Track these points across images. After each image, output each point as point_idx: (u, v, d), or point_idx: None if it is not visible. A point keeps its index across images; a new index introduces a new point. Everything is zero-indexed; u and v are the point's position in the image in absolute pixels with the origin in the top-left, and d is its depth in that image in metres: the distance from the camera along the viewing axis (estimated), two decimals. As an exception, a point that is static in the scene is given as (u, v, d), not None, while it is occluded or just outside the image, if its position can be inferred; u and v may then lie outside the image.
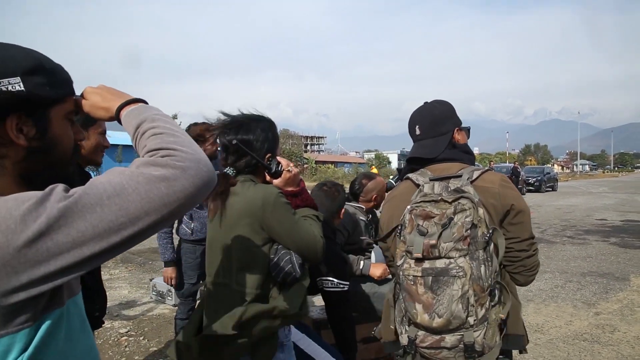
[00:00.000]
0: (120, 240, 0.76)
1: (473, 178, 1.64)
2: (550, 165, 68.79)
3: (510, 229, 1.67)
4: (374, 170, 20.94)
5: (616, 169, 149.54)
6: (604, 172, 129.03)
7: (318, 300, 2.62)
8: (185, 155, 0.82)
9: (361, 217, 3.11)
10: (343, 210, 2.76)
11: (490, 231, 1.51)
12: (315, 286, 2.34)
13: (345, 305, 2.38)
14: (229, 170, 1.76)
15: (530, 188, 29.02)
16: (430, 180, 1.67)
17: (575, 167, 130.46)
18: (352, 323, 2.41)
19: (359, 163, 60.09)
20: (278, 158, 1.82)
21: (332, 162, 60.48)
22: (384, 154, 74.06)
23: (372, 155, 76.04)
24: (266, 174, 1.83)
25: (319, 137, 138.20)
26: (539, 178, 30.12)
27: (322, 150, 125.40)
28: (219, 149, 1.89)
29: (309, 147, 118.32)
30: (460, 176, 1.65)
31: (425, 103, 1.89)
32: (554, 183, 32.32)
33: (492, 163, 26.00)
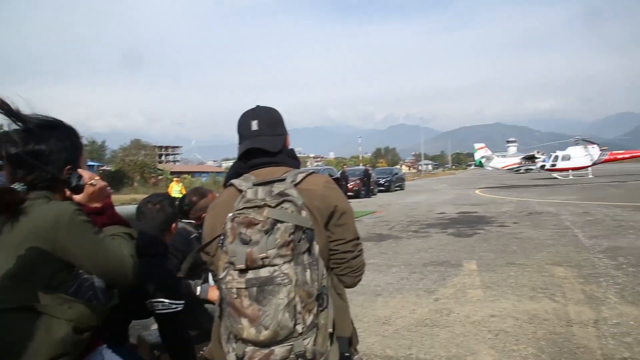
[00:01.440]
0: None
1: (297, 181, 1.62)
2: (398, 167, 74.28)
3: (335, 231, 1.67)
4: (177, 186, 20.13)
5: (453, 167, 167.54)
6: (444, 171, 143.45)
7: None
8: None
9: (193, 234, 2.97)
10: (175, 225, 2.59)
11: (311, 233, 1.49)
12: (145, 310, 2.15)
13: (181, 326, 2.20)
14: (18, 186, 1.50)
15: (381, 188, 31.10)
16: (254, 185, 1.61)
17: (420, 167, 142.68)
18: (189, 344, 2.25)
19: (217, 172, 58.91)
20: (79, 171, 1.59)
21: (188, 172, 58.49)
22: (244, 162, 73.26)
23: (231, 163, 75.08)
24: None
25: (174, 147, 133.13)
26: (389, 178, 32.48)
27: (178, 161, 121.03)
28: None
29: (163, 158, 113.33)
30: (284, 179, 1.62)
31: (258, 106, 1.85)
32: (401, 183, 35.09)
33: (345, 167, 27.40)
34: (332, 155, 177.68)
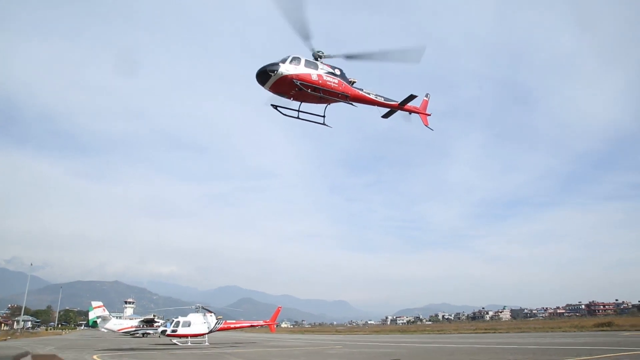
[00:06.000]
0: None
1: None
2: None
3: None
4: None
5: (60, 325, 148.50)
6: (47, 330, 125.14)
7: None
8: None
9: None
10: None
11: None
12: None
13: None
14: None
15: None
16: None
17: (17, 323, 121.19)
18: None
19: None
20: None
21: None
22: None
23: None
24: None
25: None
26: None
27: None
28: None
29: None
30: None
31: None
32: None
33: None
34: None
